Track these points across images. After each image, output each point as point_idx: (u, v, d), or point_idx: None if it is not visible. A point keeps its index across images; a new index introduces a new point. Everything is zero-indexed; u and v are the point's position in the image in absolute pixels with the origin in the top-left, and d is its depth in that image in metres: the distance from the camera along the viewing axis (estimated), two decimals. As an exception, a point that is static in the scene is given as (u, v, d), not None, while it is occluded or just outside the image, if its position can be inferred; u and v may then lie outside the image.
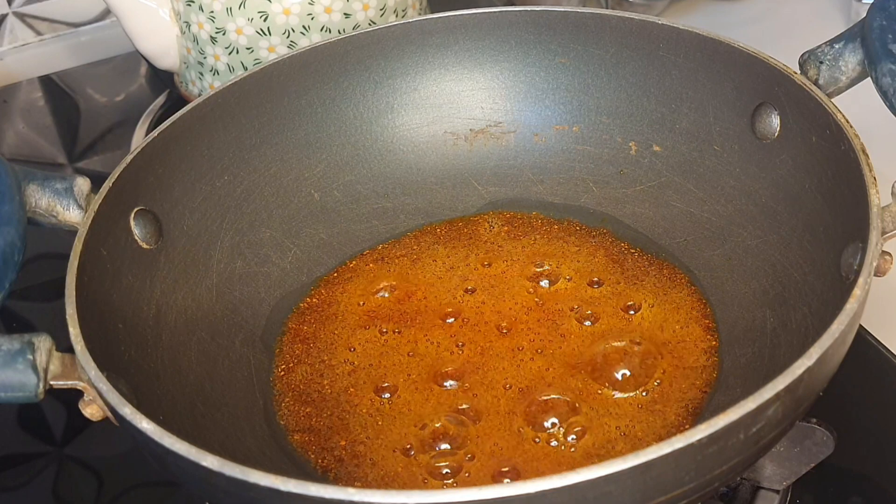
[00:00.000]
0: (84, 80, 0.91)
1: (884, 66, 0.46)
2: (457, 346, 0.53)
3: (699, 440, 0.35)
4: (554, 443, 0.47)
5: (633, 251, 0.58)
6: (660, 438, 0.47)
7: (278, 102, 0.60)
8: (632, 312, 0.54)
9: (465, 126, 0.63)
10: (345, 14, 0.71)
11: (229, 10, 0.70)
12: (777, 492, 0.48)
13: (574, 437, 0.48)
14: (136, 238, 0.52)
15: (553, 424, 0.48)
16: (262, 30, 0.70)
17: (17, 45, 0.95)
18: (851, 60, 0.49)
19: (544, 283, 0.56)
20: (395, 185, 0.63)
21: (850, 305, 0.39)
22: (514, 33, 0.62)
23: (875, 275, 0.41)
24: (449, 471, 0.47)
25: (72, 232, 0.48)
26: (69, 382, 0.42)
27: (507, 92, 0.63)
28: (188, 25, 0.73)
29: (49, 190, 0.49)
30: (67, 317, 0.43)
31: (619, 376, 0.50)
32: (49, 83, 0.91)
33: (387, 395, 0.51)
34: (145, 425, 0.38)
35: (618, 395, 0.49)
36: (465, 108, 0.63)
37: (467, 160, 0.63)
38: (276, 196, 0.60)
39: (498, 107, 0.63)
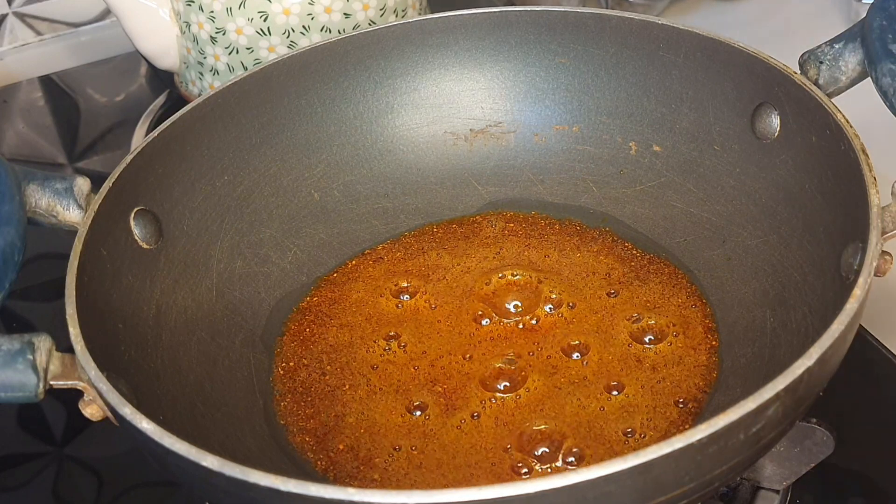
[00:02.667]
0: (84, 80, 0.91)
1: (884, 66, 0.46)
2: (456, 345, 0.53)
3: (699, 440, 0.35)
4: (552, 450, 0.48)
5: (634, 251, 0.58)
6: (660, 438, 0.47)
7: (278, 102, 0.60)
8: (634, 314, 0.54)
9: (465, 126, 0.63)
10: (345, 14, 0.71)
11: (229, 10, 0.70)
12: (777, 492, 0.48)
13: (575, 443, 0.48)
14: (136, 238, 0.52)
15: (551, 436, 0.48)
16: (262, 30, 0.70)
17: (17, 45, 0.95)
18: (851, 60, 0.49)
19: (545, 283, 0.56)
20: (395, 185, 0.63)
21: (851, 305, 0.39)
22: (514, 33, 0.62)
23: (875, 275, 0.41)
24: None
25: (72, 232, 0.48)
26: (69, 382, 0.42)
27: (507, 92, 0.63)
28: (188, 25, 0.73)
29: (49, 190, 0.49)
30: (67, 317, 0.43)
31: (618, 380, 0.50)
32: (49, 83, 0.91)
33: (386, 397, 0.51)
34: (145, 425, 0.38)
35: (616, 394, 0.49)
36: (465, 108, 0.63)
37: (467, 160, 0.63)
38: (276, 196, 0.60)
39: (498, 107, 0.63)
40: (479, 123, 0.63)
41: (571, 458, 0.47)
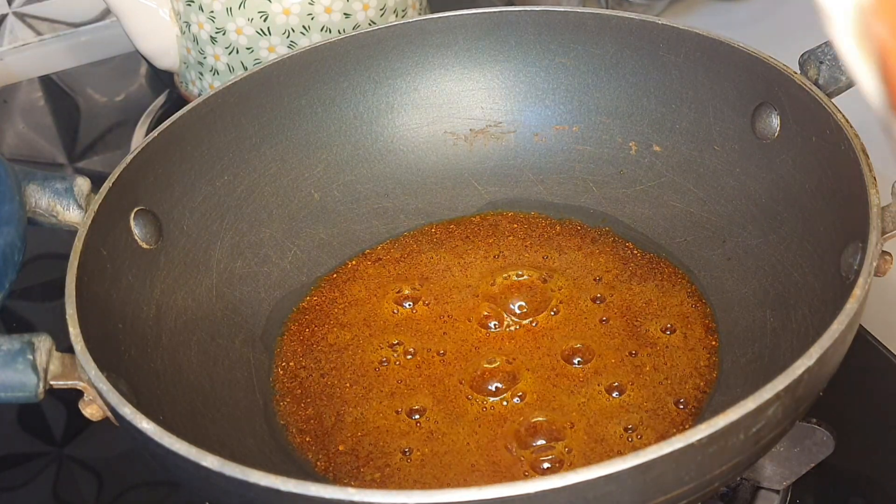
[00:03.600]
0: (84, 80, 0.91)
1: (884, 66, 0.46)
2: (457, 347, 0.53)
3: (699, 440, 0.35)
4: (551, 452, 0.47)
5: (634, 251, 0.58)
6: (659, 439, 0.47)
7: (278, 102, 0.60)
8: (634, 315, 0.54)
9: (465, 126, 0.63)
10: (345, 14, 0.71)
11: (229, 10, 0.70)
12: (777, 492, 0.48)
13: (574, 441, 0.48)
14: (136, 238, 0.52)
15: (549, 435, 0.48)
16: (262, 30, 0.70)
17: (17, 45, 0.95)
18: (851, 60, 0.49)
19: (548, 284, 0.56)
20: (395, 185, 0.63)
21: (850, 305, 0.39)
22: (514, 33, 0.62)
23: (875, 275, 0.41)
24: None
25: (72, 232, 0.48)
26: (69, 382, 0.42)
27: (507, 92, 0.63)
28: (188, 25, 0.73)
29: (49, 190, 0.49)
30: (67, 317, 0.43)
31: (618, 380, 0.50)
32: (49, 83, 0.91)
33: (386, 397, 0.51)
34: (145, 425, 0.38)
35: (617, 395, 0.49)
36: (465, 108, 0.63)
37: (467, 160, 0.63)
38: (276, 196, 0.60)
39: (498, 107, 0.63)
40: (479, 123, 0.63)
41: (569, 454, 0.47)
